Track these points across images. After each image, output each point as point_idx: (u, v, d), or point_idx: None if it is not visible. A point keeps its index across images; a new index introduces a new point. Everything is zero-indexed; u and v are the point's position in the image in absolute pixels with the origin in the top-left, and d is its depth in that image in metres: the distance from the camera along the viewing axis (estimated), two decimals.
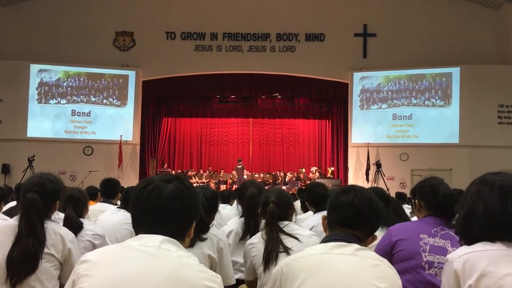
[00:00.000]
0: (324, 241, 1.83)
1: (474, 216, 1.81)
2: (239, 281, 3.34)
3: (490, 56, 16.68)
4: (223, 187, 18.07)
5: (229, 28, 17.66)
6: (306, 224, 3.90)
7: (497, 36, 16.87)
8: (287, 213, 3.01)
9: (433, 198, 2.67)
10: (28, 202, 2.51)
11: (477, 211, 1.80)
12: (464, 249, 1.81)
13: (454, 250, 2.47)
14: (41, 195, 2.54)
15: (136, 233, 1.60)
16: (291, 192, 14.95)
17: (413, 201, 2.87)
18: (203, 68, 17.50)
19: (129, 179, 16.89)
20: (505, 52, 16.61)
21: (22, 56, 16.85)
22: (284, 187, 17.72)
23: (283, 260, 1.86)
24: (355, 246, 1.77)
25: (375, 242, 3.02)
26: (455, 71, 16.49)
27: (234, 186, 17.39)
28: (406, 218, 3.40)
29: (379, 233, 3.23)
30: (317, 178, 17.30)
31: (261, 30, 17.68)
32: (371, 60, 17.36)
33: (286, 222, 2.94)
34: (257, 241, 3.04)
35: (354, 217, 1.86)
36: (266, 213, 2.93)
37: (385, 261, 1.79)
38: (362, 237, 1.86)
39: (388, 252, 2.60)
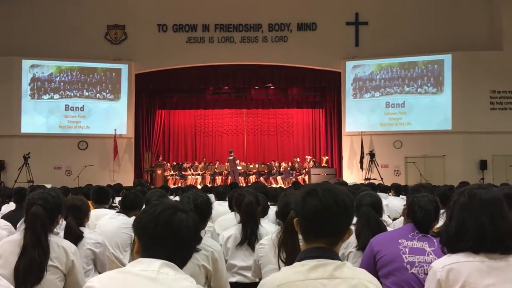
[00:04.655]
0: (300, 258, 1.74)
1: (464, 230, 1.87)
2: (237, 284, 3.45)
3: (481, 42, 16.74)
4: (218, 178, 18.17)
5: (220, 19, 17.64)
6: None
7: (488, 22, 16.92)
8: None
9: (411, 211, 2.92)
10: (33, 215, 2.63)
11: (467, 225, 1.87)
12: (448, 259, 1.89)
13: (432, 250, 2.66)
14: (44, 209, 2.66)
15: (143, 253, 1.69)
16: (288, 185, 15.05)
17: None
18: (196, 60, 17.50)
19: (126, 173, 16.97)
20: (496, 37, 16.68)
21: (13, 51, 16.78)
22: (279, 177, 17.85)
23: (269, 284, 1.73)
24: (333, 264, 1.69)
25: (351, 237, 3.21)
26: (447, 58, 16.56)
27: (230, 178, 17.48)
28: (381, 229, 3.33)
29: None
30: (312, 167, 17.40)
31: (253, 21, 17.66)
32: (363, 49, 17.40)
33: None
34: (266, 243, 3.14)
35: (323, 227, 1.73)
36: (284, 218, 2.77)
37: (364, 275, 1.73)
38: (338, 240, 1.77)
39: (372, 262, 2.80)
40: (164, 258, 1.64)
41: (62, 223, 2.94)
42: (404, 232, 2.83)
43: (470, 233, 1.85)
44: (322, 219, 1.72)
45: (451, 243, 1.92)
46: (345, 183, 7.43)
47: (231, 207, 4.77)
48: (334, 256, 1.73)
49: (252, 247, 3.51)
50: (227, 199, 6.24)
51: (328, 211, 1.71)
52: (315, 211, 1.71)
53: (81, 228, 3.35)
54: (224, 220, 4.71)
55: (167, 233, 1.67)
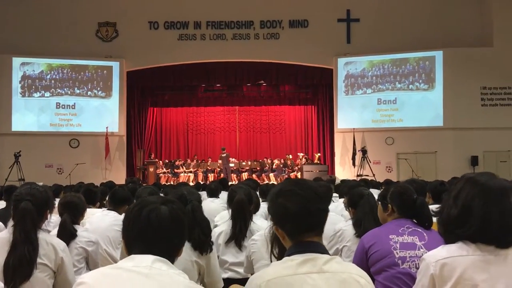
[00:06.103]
0: (289, 253, 1.73)
1: (468, 215, 1.81)
2: (229, 280, 3.44)
3: (472, 39, 16.80)
4: (211, 175, 18.14)
5: (212, 16, 17.58)
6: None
7: (478, 18, 16.98)
8: None
9: (409, 207, 2.92)
10: (22, 211, 2.59)
11: (473, 212, 1.81)
12: (441, 253, 1.84)
13: (422, 244, 2.67)
14: (33, 205, 2.63)
15: (129, 253, 1.66)
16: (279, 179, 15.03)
17: (380, 202, 3.08)
18: (187, 57, 17.45)
19: (118, 171, 16.90)
20: (487, 34, 16.74)
21: (3, 49, 16.65)
22: (272, 174, 17.85)
23: (259, 279, 1.71)
24: (322, 258, 1.69)
25: (345, 232, 3.48)
26: (438, 55, 16.61)
27: (222, 175, 17.45)
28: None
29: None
30: (304, 164, 17.41)
31: (245, 17, 17.62)
32: (355, 46, 17.41)
33: None
34: (258, 238, 3.13)
35: (312, 220, 1.74)
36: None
37: (353, 269, 1.75)
38: (323, 228, 1.78)
39: (364, 259, 2.80)
40: (146, 253, 1.62)
41: (51, 219, 2.90)
42: (394, 227, 2.83)
43: (473, 220, 1.80)
44: (310, 213, 1.73)
45: (450, 225, 1.87)
46: (333, 180, 7.39)
47: None
48: (323, 250, 1.73)
49: (239, 245, 3.52)
50: (219, 196, 6.25)
51: (314, 203, 1.73)
52: (303, 207, 1.72)
53: (75, 226, 3.33)
54: (225, 214, 4.71)
55: (139, 227, 1.66)
